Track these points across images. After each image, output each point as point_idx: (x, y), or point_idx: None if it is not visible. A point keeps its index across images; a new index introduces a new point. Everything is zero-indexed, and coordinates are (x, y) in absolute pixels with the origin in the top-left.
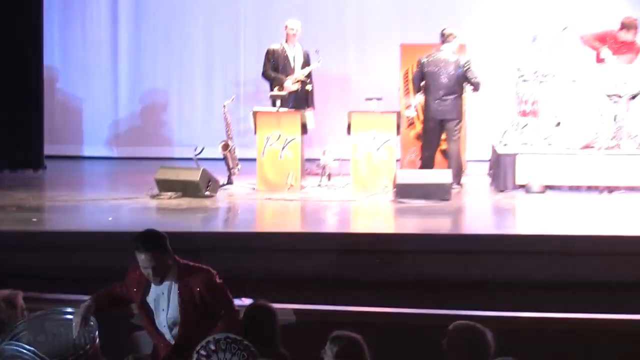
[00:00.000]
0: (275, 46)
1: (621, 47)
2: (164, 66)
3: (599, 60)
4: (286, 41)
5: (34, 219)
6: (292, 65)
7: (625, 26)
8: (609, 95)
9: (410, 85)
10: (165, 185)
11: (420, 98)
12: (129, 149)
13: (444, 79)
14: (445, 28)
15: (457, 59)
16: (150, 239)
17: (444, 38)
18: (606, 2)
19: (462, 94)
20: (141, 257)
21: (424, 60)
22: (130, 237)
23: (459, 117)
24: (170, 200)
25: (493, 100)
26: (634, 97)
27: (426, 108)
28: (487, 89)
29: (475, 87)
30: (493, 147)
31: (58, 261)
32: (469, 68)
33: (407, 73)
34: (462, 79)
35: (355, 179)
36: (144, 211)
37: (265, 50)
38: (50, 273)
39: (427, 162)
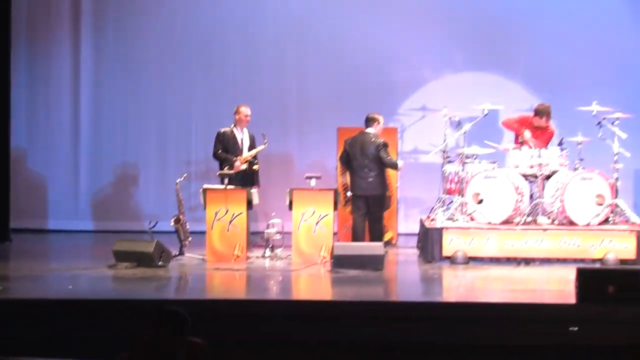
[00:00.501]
0: (225, 129)
1: (536, 132)
2: (121, 147)
3: (519, 142)
4: (235, 125)
5: (0, 288)
6: (240, 146)
7: (538, 113)
8: (525, 176)
9: (339, 164)
10: (121, 256)
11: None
12: (90, 222)
13: (365, 159)
14: (369, 113)
15: (375, 141)
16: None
17: (367, 122)
18: (521, 91)
19: (382, 171)
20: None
21: (348, 141)
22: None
23: (381, 192)
24: (126, 270)
25: (423, 178)
26: (548, 177)
27: (351, 185)
28: (417, 168)
29: (390, 166)
30: (422, 221)
31: (21, 326)
32: (381, 149)
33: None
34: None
35: (296, 250)
36: (101, 280)
37: (216, 133)
38: (12, 338)
39: (355, 233)
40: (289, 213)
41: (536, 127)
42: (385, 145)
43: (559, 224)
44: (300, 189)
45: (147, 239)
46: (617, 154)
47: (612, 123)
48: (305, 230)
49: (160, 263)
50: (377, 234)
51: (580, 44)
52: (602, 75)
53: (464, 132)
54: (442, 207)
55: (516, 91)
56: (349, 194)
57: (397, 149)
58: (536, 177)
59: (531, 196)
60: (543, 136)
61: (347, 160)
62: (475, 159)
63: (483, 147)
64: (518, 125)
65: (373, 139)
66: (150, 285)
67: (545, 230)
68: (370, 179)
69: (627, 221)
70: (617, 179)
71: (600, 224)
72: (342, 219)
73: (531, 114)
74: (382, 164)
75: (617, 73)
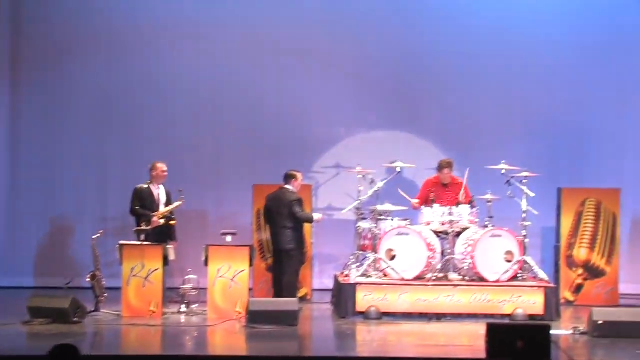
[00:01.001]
0: (142, 185)
1: (445, 189)
2: (37, 203)
3: (430, 200)
4: (152, 181)
5: None
6: (157, 202)
7: (439, 167)
8: (437, 232)
9: (262, 219)
10: (36, 312)
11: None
12: (6, 279)
13: (281, 214)
14: (289, 170)
15: (289, 197)
16: None
17: (286, 179)
18: (432, 149)
19: (298, 226)
20: None
21: (270, 197)
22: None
23: (294, 246)
24: (40, 326)
25: (337, 235)
26: (459, 234)
27: (271, 239)
28: (332, 225)
29: (304, 221)
30: (336, 277)
31: None
32: (294, 204)
33: (258, 211)
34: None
35: (211, 306)
36: (15, 337)
37: (133, 189)
38: None
39: (275, 288)
40: (204, 269)
41: (443, 184)
42: (299, 200)
43: (469, 280)
44: (216, 245)
45: (63, 295)
46: (525, 211)
47: (521, 182)
48: (221, 286)
49: (75, 319)
50: (288, 289)
51: (488, 103)
52: (510, 135)
53: (377, 190)
54: (356, 263)
55: (427, 149)
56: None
57: (312, 206)
58: (447, 234)
59: (443, 252)
60: (453, 191)
61: (268, 216)
62: (388, 216)
63: (396, 205)
64: (427, 189)
65: (288, 195)
66: (65, 341)
67: (456, 286)
68: (285, 234)
69: (535, 277)
70: (525, 236)
71: (509, 280)
72: (258, 275)
73: (437, 175)
74: (297, 220)
75: (525, 132)
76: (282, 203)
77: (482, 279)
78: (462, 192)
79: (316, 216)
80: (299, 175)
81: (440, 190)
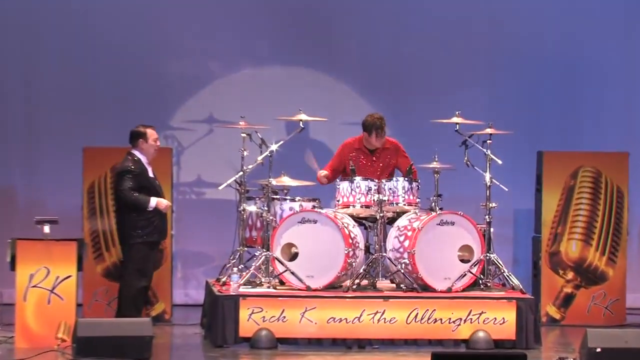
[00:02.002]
0: None
1: (372, 155)
2: None
3: (345, 175)
4: None
5: None
6: None
7: (365, 128)
8: (360, 219)
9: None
10: None
11: None
12: None
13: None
14: (134, 127)
15: (117, 167)
16: None
17: (130, 140)
18: (355, 99)
19: (126, 210)
20: None
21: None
22: None
23: (126, 241)
24: None
25: (210, 223)
26: (391, 221)
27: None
28: (202, 208)
29: (130, 205)
30: (208, 286)
31: None
32: (117, 179)
33: (92, 186)
34: None
35: (21, 329)
36: None
37: None
38: None
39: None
40: (10, 275)
41: (369, 150)
42: (124, 172)
43: (407, 290)
44: (28, 239)
45: None
46: (489, 186)
47: (483, 143)
48: (35, 299)
49: None
50: (124, 304)
51: (437, 30)
52: (468, 76)
53: (271, 155)
54: (239, 265)
55: (346, 97)
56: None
57: (172, 180)
58: (375, 220)
59: (368, 248)
60: (384, 159)
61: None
62: (286, 194)
63: (298, 179)
64: (345, 156)
65: (118, 165)
66: None
67: (387, 298)
68: (118, 221)
69: (503, 285)
70: (489, 224)
71: (466, 288)
72: (92, 282)
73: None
74: (121, 200)
75: (490, 72)
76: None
77: (426, 288)
78: (397, 159)
79: (155, 202)
80: (149, 133)
81: (366, 158)
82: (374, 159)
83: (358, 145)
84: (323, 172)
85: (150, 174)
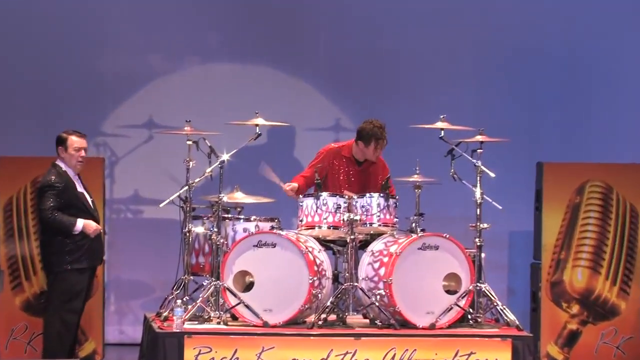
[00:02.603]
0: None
1: (359, 168)
2: None
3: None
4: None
5: None
6: None
7: (362, 137)
8: (327, 242)
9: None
10: None
11: None
12: None
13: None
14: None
15: (40, 182)
16: None
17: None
18: (320, 100)
19: (51, 233)
20: None
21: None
22: None
23: (50, 269)
24: None
25: (148, 246)
26: (364, 244)
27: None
28: (139, 228)
29: (54, 228)
30: (147, 321)
31: None
32: (38, 196)
33: (9, 202)
34: None
35: None
36: None
37: None
38: None
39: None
40: None
41: (357, 161)
42: (46, 187)
43: (383, 326)
44: None
45: None
46: (480, 204)
47: (473, 152)
48: None
49: None
50: (53, 343)
51: (420, 21)
52: (456, 74)
53: (221, 167)
54: (183, 296)
55: (312, 100)
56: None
57: (104, 196)
58: (345, 244)
59: (336, 277)
60: (369, 176)
61: None
62: (240, 212)
63: (254, 195)
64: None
65: (41, 178)
66: None
67: (359, 336)
68: (39, 247)
69: (497, 320)
70: (480, 248)
71: (452, 324)
72: (9, 318)
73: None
74: (42, 220)
75: (481, 70)
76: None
77: (405, 324)
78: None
79: (79, 223)
80: (70, 141)
81: (353, 170)
82: (362, 172)
83: (346, 153)
84: (290, 185)
85: (80, 189)
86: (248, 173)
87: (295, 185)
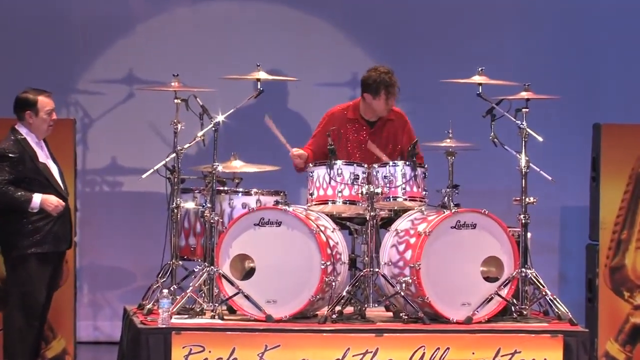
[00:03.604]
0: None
1: (370, 130)
2: None
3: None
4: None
5: None
6: None
7: (367, 86)
8: (342, 220)
9: None
10: None
11: None
12: None
13: None
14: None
15: None
16: None
17: (14, 111)
18: (335, 44)
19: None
20: None
21: None
22: None
23: (13, 249)
24: None
25: (128, 225)
26: (387, 223)
27: None
28: (117, 203)
29: (6, 203)
30: (126, 314)
31: None
32: None
33: None
34: None
35: None
36: None
37: None
38: None
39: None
40: None
41: (368, 121)
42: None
43: (409, 320)
44: None
45: None
46: (525, 174)
47: (517, 112)
48: None
49: None
50: (13, 342)
51: None
52: (495, 20)
53: (216, 130)
54: (171, 285)
55: (327, 47)
56: None
57: (75, 166)
58: (364, 222)
59: (353, 262)
60: (387, 137)
61: None
62: (238, 185)
63: (255, 163)
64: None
65: None
66: None
67: (381, 332)
68: None
69: (545, 313)
70: (525, 227)
71: (492, 317)
72: None
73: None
74: None
75: (522, 17)
76: None
77: (436, 317)
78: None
79: (40, 200)
80: (41, 103)
81: (364, 133)
82: (375, 134)
83: (352, 114)
84: (299, 151)
85: (43, 159)
86: (248, 137)
87: (303, 152)
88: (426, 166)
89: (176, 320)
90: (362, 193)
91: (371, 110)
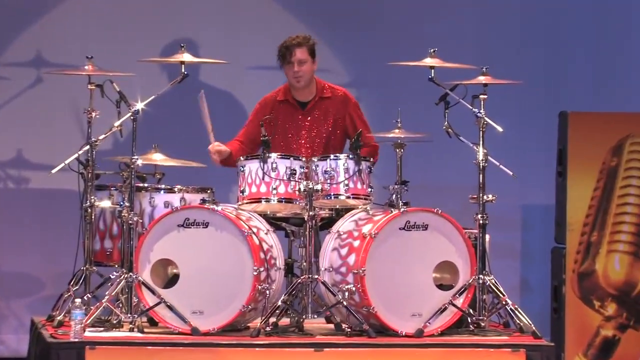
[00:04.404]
0: None
1: (306, 116)
2: None
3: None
4: None
5: None
6: None
7: (291, 47)
8: (276, 220)
9: None
10: None
11: None
12: None
13: None
14: None
15: None
16: None
17: None
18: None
19: None
20: None
21: None
22: None
23: None
24: None
25: (36, 229)
26: (328, 223)
27: None
28: (23, 203)
29: None
30: (34, 327)
31: None
32: None
33: None
34: None
35: None
36: None
37: None
38: None
39: None
40: None
41: (300, 102)
42: None
43: (353, 333)
44: None
45: None
46: (483, 168)
47: (474, 99)
48: None
49: None
50: None
51: None
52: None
53: (135, 119)
54: (84, 294)
55: (262, 24)
56: None
57: None
58: (302, 223)
59: (290, 268)
60: (321, 119)
61: None
62: (159, 180)
63: (179, 157)
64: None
65: None
66: None
67: (321, 347)
68: None
69: (506, 325)
70: (483, 228)
71: (445, 330)
72: None
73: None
74: None
75: None
76: None
77: (383, 330)
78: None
79: None
80: None
81: (294, 115)
82: (308, 116)
83: (282, 96)
84: (220, 146)
85: None
86: (171, 128)
87: (225, 148)
88: (371, 159)
89: (90, 334)
90: (299, 190)
91: (297, 91)
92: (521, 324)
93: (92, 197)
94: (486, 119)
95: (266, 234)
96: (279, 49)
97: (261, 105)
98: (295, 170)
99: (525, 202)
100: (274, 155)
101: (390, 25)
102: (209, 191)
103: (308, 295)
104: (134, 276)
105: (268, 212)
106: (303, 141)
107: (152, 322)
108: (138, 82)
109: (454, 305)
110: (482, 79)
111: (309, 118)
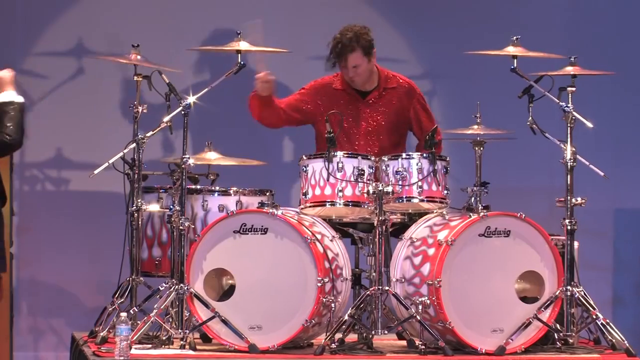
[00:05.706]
0: None
1: (367, 106)
2: None
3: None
4: None
5: None
6: None
7: (345, 45)
8: (343, 226)
9: None
10: None
11: None
12: None
13: None
14: None
15: None
16: None
17: None
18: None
19: None
20: None
21: None
22: None
23: None
24: None
25: (77, 236)
26: (399, 230)
27: None
28: (61, 208)
29: None
30: (75, 343)
31: None
32: None
33: None
34: None
35: None
36: None
37: None
38: None
39: None
40: None
41: (358, 92)
42: None
43: (427, 350)
44: None
45: None
46: (571, 168)
47: (562, 92)
48: None
49: None
50: None
51: None
52: None
53: (186, 114)
54: (130, 307)
55: (324, 12)
56: None
57: (12, 159)
58: (371, 229)
59: (358, 278)
60: (384, 110)
61: None
62: (213, 182)
63: (235, 156)
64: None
65: None
66: None
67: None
68: None
69: (596, 341)
70: (572, 235)
71: (529, 346)
72: None
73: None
74: None
75: None
76: None
77: (460, 347)
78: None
79: None
80: None
81: (354, 106)
82: (368, 108)
83: (340, 85)
84: (270, 74)
85: None
86: (226, 124)
87: (273, 80)
88: (448, 159)
89: (137, 351)
90: (368, 192)
91: (351, 80)
92: (613, 341)
93: (139, 201)
94: (575, 113)
95: (331, 241)
96: (331, 50)
97: (316, 88)
98: (364, 171)
99: (618, 205)
100: (339, 154)
101: (468, 11)
102: (268, 193)
103: (378, 308)
104: (185, 288)
105: (333, 217)
106: (362, 133)
107: (205, 339)
108: (190, 73)
109: (539, 319)
110: (570, 69)
111: (368, 110)
